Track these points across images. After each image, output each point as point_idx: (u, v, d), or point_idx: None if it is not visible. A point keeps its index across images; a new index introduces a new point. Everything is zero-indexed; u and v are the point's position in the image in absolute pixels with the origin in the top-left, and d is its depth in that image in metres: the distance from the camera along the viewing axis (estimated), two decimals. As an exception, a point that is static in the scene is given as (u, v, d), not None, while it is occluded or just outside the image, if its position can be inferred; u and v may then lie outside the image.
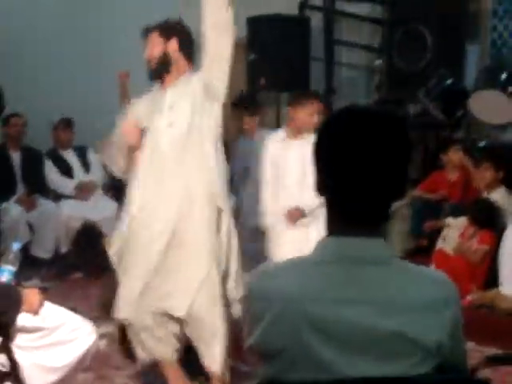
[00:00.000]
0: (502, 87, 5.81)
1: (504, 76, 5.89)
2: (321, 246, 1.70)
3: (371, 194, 1.64)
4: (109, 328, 4.86)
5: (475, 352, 4.23)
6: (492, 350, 4.48)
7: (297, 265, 1.72)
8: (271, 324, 1.64)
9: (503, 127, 6.31)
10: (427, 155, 6.92)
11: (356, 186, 1.64)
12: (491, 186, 5.63)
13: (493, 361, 2.19)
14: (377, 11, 8.44)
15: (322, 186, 1.69)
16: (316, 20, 7.87)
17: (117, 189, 6.80)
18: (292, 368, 1.63)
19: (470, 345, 4.48)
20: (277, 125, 7.44)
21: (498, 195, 5.59)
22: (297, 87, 7.69)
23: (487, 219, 5.41)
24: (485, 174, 5.62)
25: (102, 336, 4.18)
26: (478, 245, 5.45)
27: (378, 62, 8.31)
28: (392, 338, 1.61)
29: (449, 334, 1.67)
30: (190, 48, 3.74)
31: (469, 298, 5.17)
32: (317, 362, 1.61)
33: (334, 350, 1.61)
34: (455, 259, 5.50)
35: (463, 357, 1.77)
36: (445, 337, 1.66)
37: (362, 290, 1.63)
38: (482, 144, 6.50)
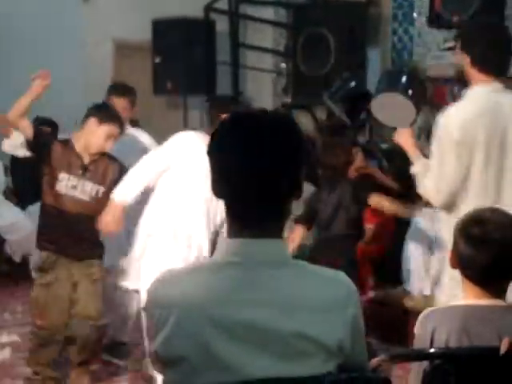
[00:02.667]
0: (403, 90, 5.93)
1: (404, 79, 6.02)
2: (221, 248, 1.72)
3: (264, 196, 1.67)
4: (12, 337, 4.75)
5: (378, 350, 4.31)
6: (394, 348, 4.58)
7: (197, 269, 1.73)
8: (174, 330, 1.64)
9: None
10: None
11: (247, 190, 1.66)
12: None
13: (395, 358, 2.24)
14: (281, 15, 8.53)
15: (217, 190, 1.71)
16: (221, 23, 7.90)
17: (21, 194, 6.65)
18: (197, 373, 1.63)
19: (373, 342, 4.56)
20: (184, 129, 7.41)
21: None
22: (203, 91, 7.72)
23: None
24: None
25: (4, 345, 4.08)
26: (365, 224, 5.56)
27: (283, 65, 8.40)
28: (294, 338, 1.64)
29: (350, 334, 1.70)
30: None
31: (371, 294, 5.26)
32: (222, 364, 1.62)
33: (238, 351, 1.62)
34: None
35: (364, 355, 1.81)
36: (346, 336, 1.69)
37: (262, 292, 1.65)
38: (383, 146, 6.65)
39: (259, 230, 1.68)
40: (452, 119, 3.35)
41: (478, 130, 3.29)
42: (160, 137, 7.79)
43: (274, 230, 1.69)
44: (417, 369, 2.20)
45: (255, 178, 1.65)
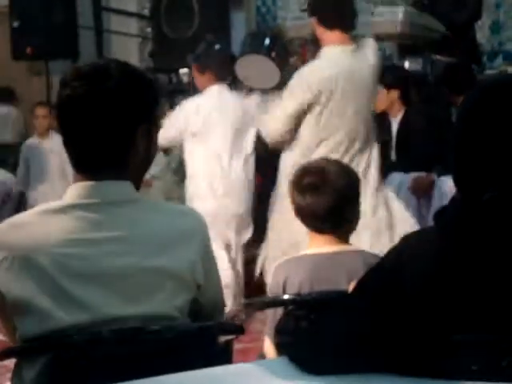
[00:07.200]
0: (267, 52, 5.98)
1: (267, 41, 6.07)
2: (67, 193, 1.74)
3: (99, 141, 1.71)
4: None
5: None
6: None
7: (44, 212, 1.72)
8: (19, 273, 1.63)
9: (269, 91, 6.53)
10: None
11: (83, 136, 1.71)
12: None
13: (249, 306, 2.29)
14: (144, -22, 8.42)
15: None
16: (82, -14, 7.71)
17: None
18: (49, 315, 1.62)
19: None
20: (47, 95, 7.23)
21: None
22: (66, 56, 7.54)
23: None
24: None
25: None
26: None
27: (149, 29, 8.30)
28: (145, 272, 1.68)
29: (201, 260, 1.76)
30: None
31: None
32: (75, 304, 1.63)
33: (91, 291, 1.64)
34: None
35: (218, 287, 1.89)
36: (197, 261, 1.75)
37: (110, 229, 1.68)
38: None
39: (101, 173, 1.71)
40: (313, 74, 3.82)
41: (336, 87, 3.78)
42: (23, 102, 7.57)
43: (116, 172, 1.73)
44: (272, 318, 2.26)
45: (87, 126, 1.70)
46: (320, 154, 3.73)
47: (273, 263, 3.79)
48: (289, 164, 3.94)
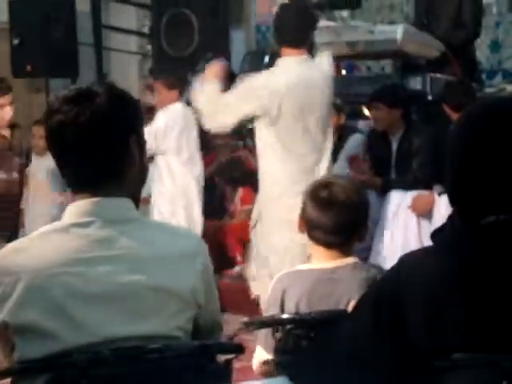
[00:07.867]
0: (266, 69, 6.00)
1: (267, 59, 6.11)
2: (67, 212, 1.74)
3: (93, 159, 1.72)
4: None
5: (232, 322, 4.41)
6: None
7: (46, 233, 1.72)
8: (24, 296, 1.62)
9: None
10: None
11: (77, 154, 1.72)
12: None
13: (250, 325, 2.29)
14: (144, -4, 8.44)
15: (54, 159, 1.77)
16: (82, 3, 7.74)
17: None
18: (53, 337, 1.62)
19: (227, 315, 4.65)
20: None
21: None
22: (66, 73, 7.57)
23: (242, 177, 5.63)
24: None
25: None
26: (241, 206, 5.64)
27: (149, 47, 8.33)
28: (148, 291, 1.68)
29: (201, 281, 1.77)
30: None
31: (237, 269, 5.33)
32: (79, 326, 1.62)
33: (94, 311, 1.63)
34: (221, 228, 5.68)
35: (216, 308, 1.88)
36: (198, 283, 1.75)
37: (111, 249, 1.68)
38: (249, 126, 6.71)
39: (101, 189, 1.72)
40: (275, 80, 3.95)
41: (291, 94, 3.90)
42: (23, 120, 7.57)
43: (115, 186, 1.73)
44: (265, 333, 2.26)
45: (84, 144, 1.71)
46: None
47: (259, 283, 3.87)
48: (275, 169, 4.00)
